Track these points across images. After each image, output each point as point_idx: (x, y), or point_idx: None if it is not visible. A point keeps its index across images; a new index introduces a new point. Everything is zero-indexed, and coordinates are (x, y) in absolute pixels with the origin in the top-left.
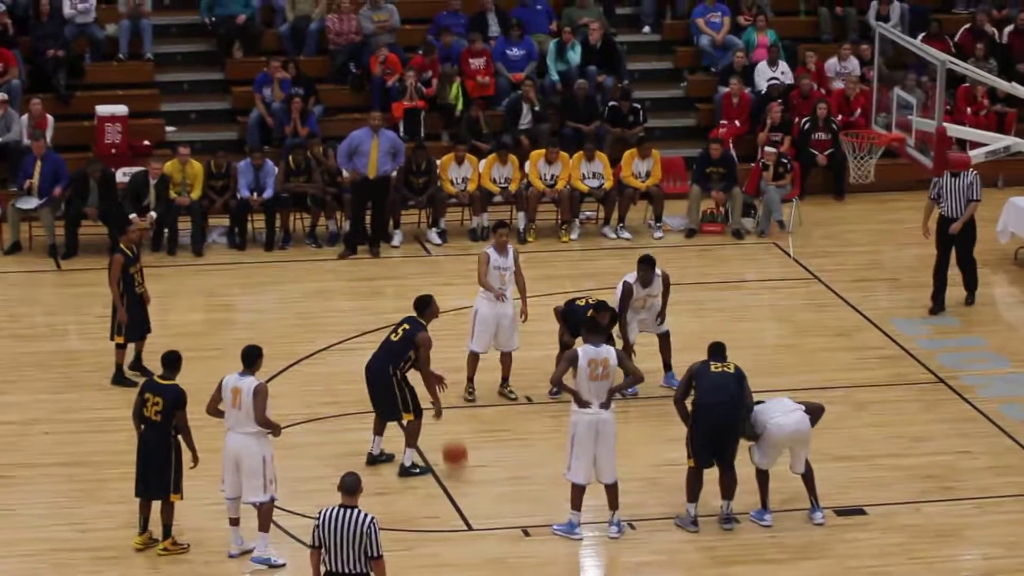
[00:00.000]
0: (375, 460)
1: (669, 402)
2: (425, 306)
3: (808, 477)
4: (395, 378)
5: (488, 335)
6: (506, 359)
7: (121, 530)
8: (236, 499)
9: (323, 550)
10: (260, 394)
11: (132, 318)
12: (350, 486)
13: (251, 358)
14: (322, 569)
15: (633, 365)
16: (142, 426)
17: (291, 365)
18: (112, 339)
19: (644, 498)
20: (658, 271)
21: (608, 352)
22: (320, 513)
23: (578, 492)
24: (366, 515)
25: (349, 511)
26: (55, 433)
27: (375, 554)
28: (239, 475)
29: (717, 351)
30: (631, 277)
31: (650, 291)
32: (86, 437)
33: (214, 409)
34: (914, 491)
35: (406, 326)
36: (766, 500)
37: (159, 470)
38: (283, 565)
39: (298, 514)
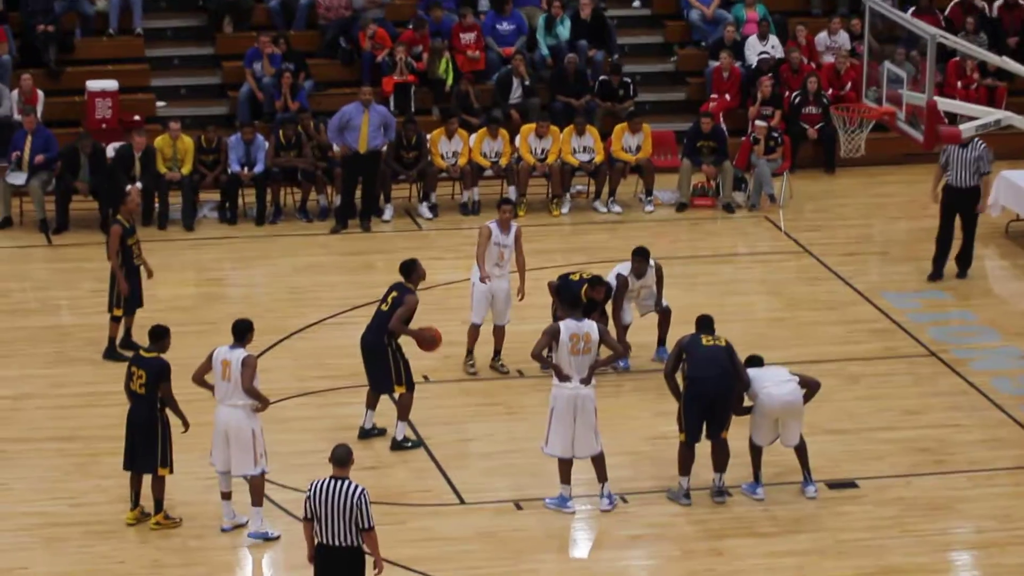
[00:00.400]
0: (367, 434)
1: (661, 376)
2: (411, 270)
3: (801, 450)
4: (390, 348)
5: (485, 305)
6: (498, 333)
7: (113, 504)
8: (227, 473)
9: (315, 522)
10: (248, 365)
11: (129, 292)
12: (341, 458)
13: (241, 331)
14: (315, 541)
15: (614, 340)
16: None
17: (282, 339)
18: (110, 311)
19: (636, 471)
20: (652, 262)
21: (590, 327)
22: (311, 485)
23: (564, 466)
24: (357, 486)
25: (340, 482)
26: (47, 408)
27: (366, 526)
28: (229, 448)
29: (706, 324)
30: (624, 269)
31: (644, 281)
32: (78, 411)
33: (200, 378)
34: (906, 464)
35: (394, 293)
36: (758, 474)
37: (147, 444)
38: (278, 537)
39: (291, 488)
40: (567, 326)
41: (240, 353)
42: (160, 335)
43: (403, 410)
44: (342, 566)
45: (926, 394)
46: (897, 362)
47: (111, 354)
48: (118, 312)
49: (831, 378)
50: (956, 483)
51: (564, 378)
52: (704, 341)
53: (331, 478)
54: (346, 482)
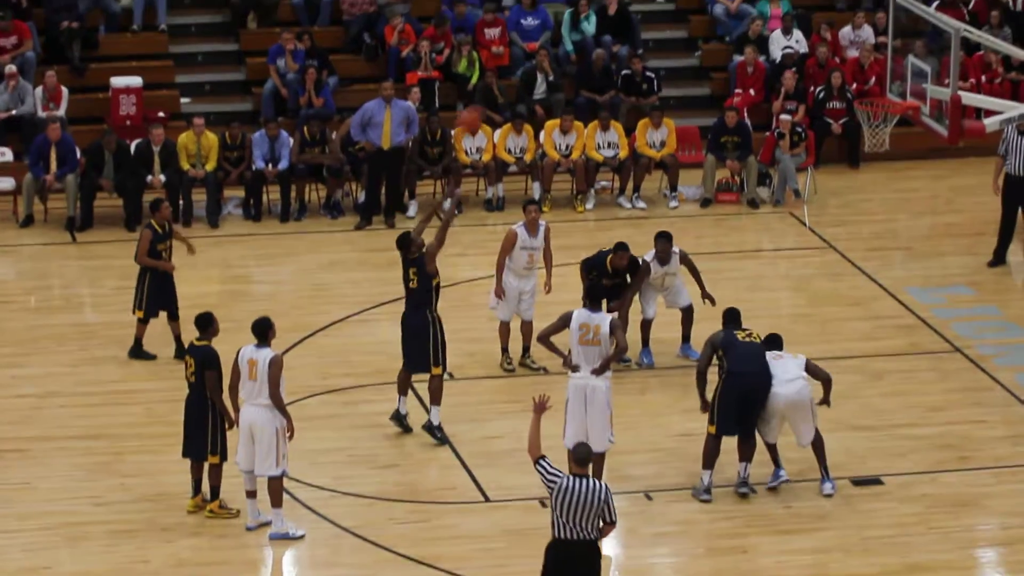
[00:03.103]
0: (400, 419)
1: (687, 373)
2: (408, 243)
3: (817, 447)
4: (433, 324)
5: (513, 304)
6: (526, 329)
7: (137, 503)
8: (251, 472)
9: (555, 517)
10: (275, 365)
11: (151, 295)
12: (583, 457)
13: (263, 331)
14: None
15: (622, 336)
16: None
17: (307, 337)
18: (134, 312)
19: (661, 468)
20: (675, 249)
21: (601, 319)
22: (561, 480)
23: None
24: (602, 484)
25: (583, 480)
26: (71, 406)
27: (613, 519)
28: (253, 447)
29: (733, 317)
30: (648, 255)
31: (668, 269)
32: (102, 410)
33: (235, 389)
34: (931, 460)
35: (413, 262)
36: (777, 459)
37: (198, 431)
38: (302, 537)
39: (315, 486)
40: (579, 314)
41: (267, 353)
42: (206, 322)
43: (435, 394)
44: (581, 558)
45: (950, 390)
46: (921, 358)
47: (136, 353)
48: (139, 314)
49: (855, 374)
50: (981, 479)
51: (574, 368)
52: (741, 336)
53: (574, 476)
54: (590, 480)
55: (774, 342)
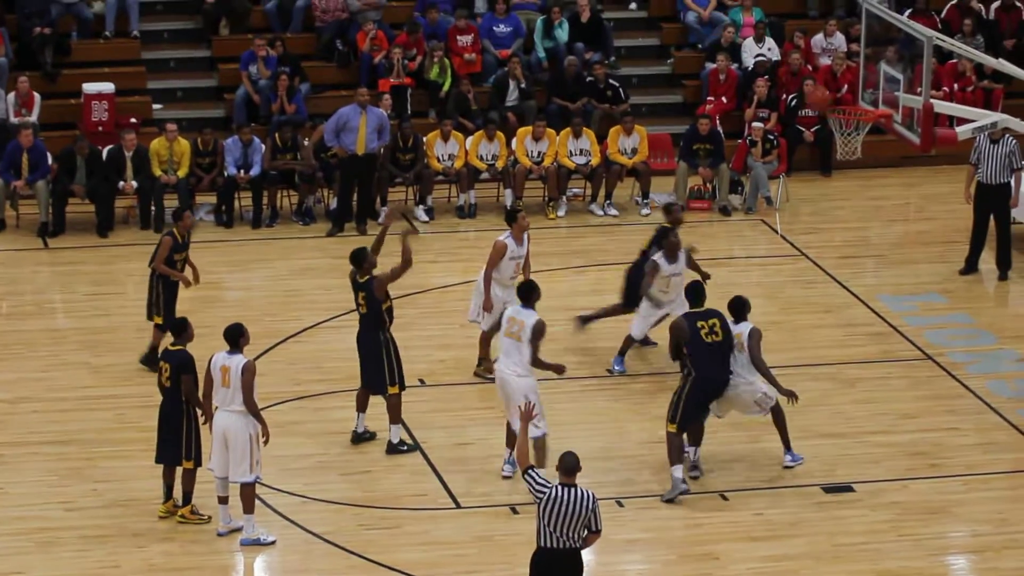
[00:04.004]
0: (360, 438)
1: (656, 381)
2: (363, 259)
3: (776, 418)
4: (385, 345)
5: (497, 315)
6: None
7: (109, 508)
8: (224, 478)
9: (542, 526)
10: (248, 371)
11: (169, 301)
12: (571, 467)
13: (234, 337)
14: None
15: (538, 347)
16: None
17: (278, 343)
18: (150, 319)
19: (632, 475)
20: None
21: (527, 316)
22: (549, 490)
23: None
24: (588, 492)
25: (571, 490)
26: (43, 411)
27: (599, 528)
28: (227, 453)
29: (695, 294)
30: (657, 256)
31: (675, 268)
32: (74, 415)
33: (209, 395)
34: (902, 468)
35: (361, 287)
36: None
37: (172, 436)
38: (273, 543)
39: (287, 492)
40: (512, 310)
41: (240, 359)
42: (181, 327)
43: (394, 412)
44: (565, 567)
45: (922, 398)
46: (893, 366)
47: (148, 360)
48: (159, 320)
49: (827, 382)
50: (952, 487)
51: (498, 358)
52: (704, 336)
53: (562, 486)
54: (578, 489)
55: (738, 310)
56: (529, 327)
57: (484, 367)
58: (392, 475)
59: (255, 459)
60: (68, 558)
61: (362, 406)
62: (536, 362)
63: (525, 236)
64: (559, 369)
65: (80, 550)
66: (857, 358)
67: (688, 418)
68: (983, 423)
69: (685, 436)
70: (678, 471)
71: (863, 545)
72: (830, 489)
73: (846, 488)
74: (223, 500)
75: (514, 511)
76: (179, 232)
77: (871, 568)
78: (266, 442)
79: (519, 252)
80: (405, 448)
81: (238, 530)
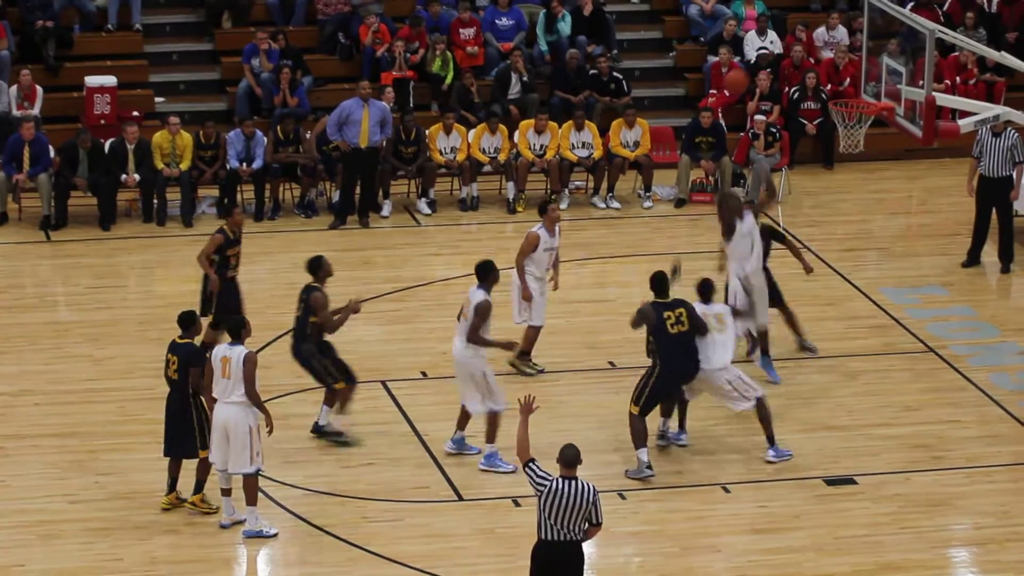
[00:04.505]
0: (319, 430)
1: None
2: (317, 268)
3: (760, 412)
4: (310, 359)
5: (541, 305)
6: (534, 333)
7: (111, 501)
8: (226, 470)
9: (543, 519)
10: (250, 362)
11: (220, 296)
12: (571, 459)
13: (236, 328)
14: (538, 536)
15: (471, 329)
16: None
17: (281, 335)
18: (204, 315)
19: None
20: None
21: (475, 296)
22: (549, 483)
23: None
24: (590, 485)
25: (572, 482)
26: (45, 404)
27: (599, 521)
28: (227, 445)
29: (661, 284)
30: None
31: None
32: (76, 408)
33: (210, 388)
34: (904, 460)
35: (303, 295)
36: (683, 421)
37: (184, 430)
38: (275, 535)
39: (289, 485)
40: (471, 291)
41: (241, 350)
42: (189, 321)
43: (331, 398)
44: (567, 560)
45: (924, 390)
46: (895, 358)
47: None
48: (212, 318)
49: (829, 374)
50: (954, 479)
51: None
52: (670, 326)
53: (563, 479)
54: (579, 482)
55: (704, 292)
56: (472, 305)
57: (522, 360)
58: (394, 468)
59: (255, 450)
60: (70, 551)
61: (328, 400)
62: (473, 338)
63: (557, 227)
64: (507, 346)
65: (83, 543)
66: (859, 351)
67: (652, 405)
68: (985, 416)
69: (659, 408)
70: (643, 454)
71: (865, 537)
72: (832, 481)
73: (848, 480)
74: (226, 492)
75: (516, 503)
76: (230, 229)
77: (873, 560)
78: (270, 432)
79: (552, 243)
80: (339, 439)
81: (241, 522)
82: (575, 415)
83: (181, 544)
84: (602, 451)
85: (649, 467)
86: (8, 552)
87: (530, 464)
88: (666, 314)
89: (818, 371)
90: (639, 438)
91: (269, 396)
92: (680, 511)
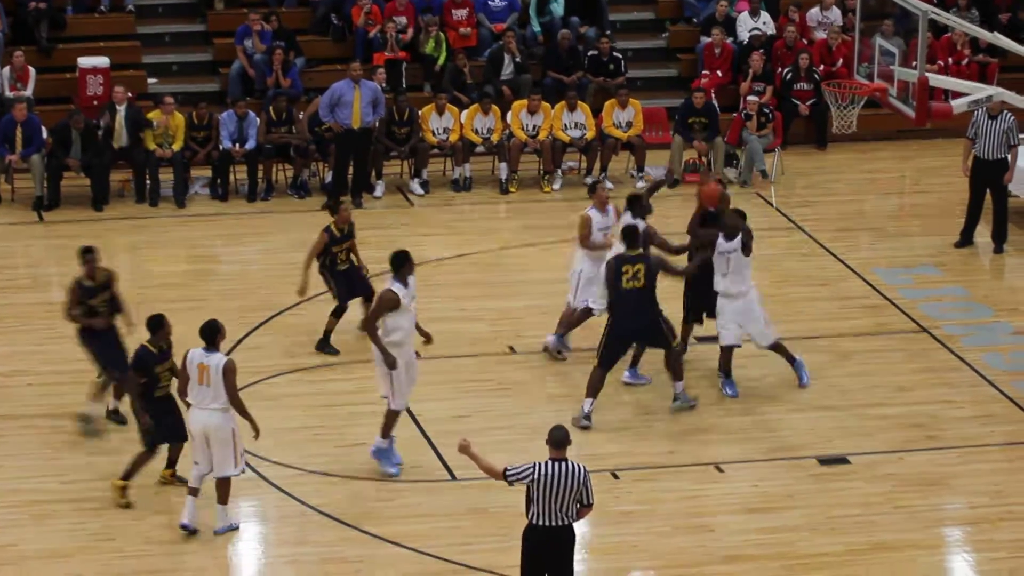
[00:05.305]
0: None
1: (654, 353)
2: (215, 332)
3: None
4: None
5: (598, 289)
6: (583, 316)
7: (104, 481)
8: (208, 473)
9: (532, 504)
10: (229, 371)
11: (340, 286)
12: (560, 440)
13: (211, 334)
14: (529, 522)
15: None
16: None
17: (274, 316)
18: (341, 305)
19: (628, 447)
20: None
21: (384, 287)
22: (535, 467)
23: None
24: (580, 465)
25: (562, 464)
26: (38, 384)
27: (590, 502)
28: (209, 450)
29: (631, 237)
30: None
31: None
32: (68, 388)
33: (184, 391)
34: (898, 440)
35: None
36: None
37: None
38: (238, 527)
39: (282, 464)
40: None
41: (219, 358)
42: (154, 325)
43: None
44: (559, 544)
45: (918, 370)
46: (889, 338)
47: (324, 346)
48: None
49: (822, 354)
50: (948, 459)
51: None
52: (625, 280)
53: (552, 461)
54: (568, 463)
55: (629, 236)
56: (376, 296)
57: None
58: None
59: (239, 452)
60: (63, 530)
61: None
62: (365, 327)
63: (610, 207)
64: (426, 337)
65: (75, 522)
66: (852, 331)
67: (611, 359)
68: (979, 395)
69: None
70: (587, 405)
71: (859, 517)
72: (826, 461)
73: (842, 460)
74: (194, 492)
75: (510, 484)
76: (336, 226)
77: (867, 540)
78: (256, 436)
79: (605, 222)
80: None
81: (235, 529)
82: (565, 395)
83: (175, 523)
84: (593, 431)
85: (587, 418)
86: (1, 532)
87: (507, 472)
88: (624, 268)
89: (811, 351)
90: (591, 388)
91: (262, 376)
92: (673, 491)
